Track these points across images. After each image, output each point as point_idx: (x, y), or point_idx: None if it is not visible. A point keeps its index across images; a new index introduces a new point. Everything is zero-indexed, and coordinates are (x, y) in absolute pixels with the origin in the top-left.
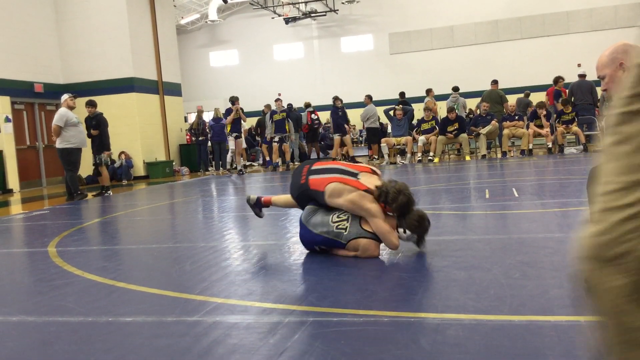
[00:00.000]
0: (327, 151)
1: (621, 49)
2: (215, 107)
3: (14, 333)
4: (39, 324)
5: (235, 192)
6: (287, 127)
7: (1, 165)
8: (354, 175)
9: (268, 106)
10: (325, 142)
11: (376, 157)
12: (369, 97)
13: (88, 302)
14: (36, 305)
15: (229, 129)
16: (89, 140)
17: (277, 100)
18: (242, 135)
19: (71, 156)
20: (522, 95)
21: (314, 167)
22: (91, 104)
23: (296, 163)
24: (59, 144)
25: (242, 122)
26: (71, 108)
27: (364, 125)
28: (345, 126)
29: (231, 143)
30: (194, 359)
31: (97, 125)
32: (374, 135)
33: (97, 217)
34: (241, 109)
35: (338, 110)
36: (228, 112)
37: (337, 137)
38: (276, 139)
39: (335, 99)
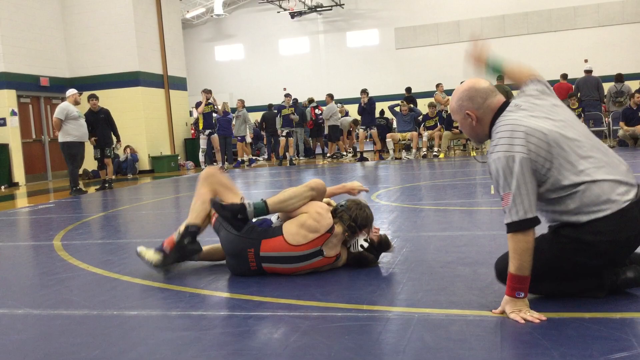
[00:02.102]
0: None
1: (466, 95)
2: (224, 102)
3: (19, 326)
4: (44, 316)
5: (239, 187)
6: (293, 122)
7: (7, 159)
8: (316, 254)
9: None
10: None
11: (330, 154)
12: (330, 96)
13: (93, 296)
14: (41, 298)
15: (201, 125)
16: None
17: (286, 95)
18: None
19: (71, 149)
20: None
21: (263, 252)
22: (96, 97)
23: (301, 158)
24: (60, 137)
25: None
26: (77, 104)
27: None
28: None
29: (202, 141)
30: (199, 352)
31: (106, 119)
32: (334, 132)
33: (102, 210)
34: (213, 104)
35: (360, 103)
36: (198, 105)
37: (361, 131)
38: (284, 133)
39: (361, 92)
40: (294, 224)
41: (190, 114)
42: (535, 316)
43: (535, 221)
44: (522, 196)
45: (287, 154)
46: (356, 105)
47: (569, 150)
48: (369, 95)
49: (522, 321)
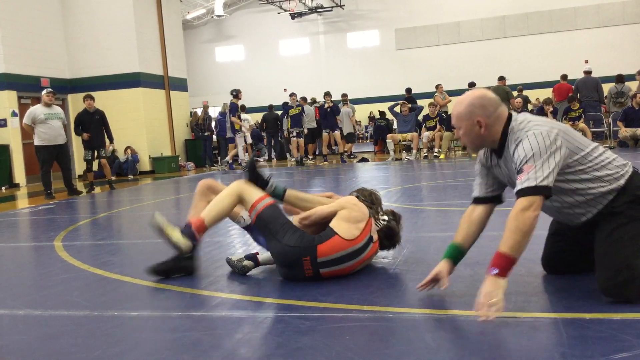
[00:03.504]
0: (332, 147)
1: (478, 102)
2: (225, 102)
3: (20, 326)
4: (45, 317)
5: None
6: (302, 122)
7: (8, 160)
8: (369, 242)
9: (301, 98)
10: None
11: (311, 156)
12: (304, 99)
13: (94, 297)
14: (42, 299)
15: (237, 126)
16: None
17: (291, 95)
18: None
19: (40, 153)
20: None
21: (321, 257)
22: (91, 98)
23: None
24: (34, 141)
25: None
26: (47, 105)
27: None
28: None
29: (241, 139)
30: (199, 353)
31: (101, 120)
32: (308, 136)
33: (103, 211)
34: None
35: (324, 106)
36: (234, 107)
37: (325, 134)
38: (294, 133)
39: (325, 95)
40: (341, 221)
41: (191, 114)
42: (491, 313)
43: (548, 190)
44: (545, 169)
45: (290, 154)
46: (356, 106)
47: (581, 139)
48: (332, 99)
49: (485, 315)
